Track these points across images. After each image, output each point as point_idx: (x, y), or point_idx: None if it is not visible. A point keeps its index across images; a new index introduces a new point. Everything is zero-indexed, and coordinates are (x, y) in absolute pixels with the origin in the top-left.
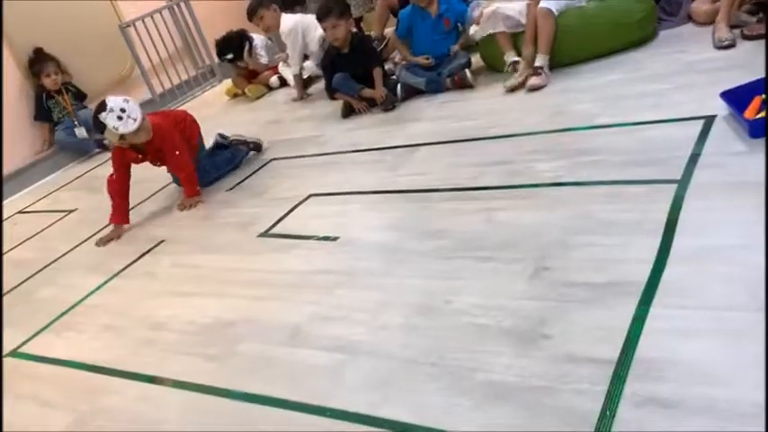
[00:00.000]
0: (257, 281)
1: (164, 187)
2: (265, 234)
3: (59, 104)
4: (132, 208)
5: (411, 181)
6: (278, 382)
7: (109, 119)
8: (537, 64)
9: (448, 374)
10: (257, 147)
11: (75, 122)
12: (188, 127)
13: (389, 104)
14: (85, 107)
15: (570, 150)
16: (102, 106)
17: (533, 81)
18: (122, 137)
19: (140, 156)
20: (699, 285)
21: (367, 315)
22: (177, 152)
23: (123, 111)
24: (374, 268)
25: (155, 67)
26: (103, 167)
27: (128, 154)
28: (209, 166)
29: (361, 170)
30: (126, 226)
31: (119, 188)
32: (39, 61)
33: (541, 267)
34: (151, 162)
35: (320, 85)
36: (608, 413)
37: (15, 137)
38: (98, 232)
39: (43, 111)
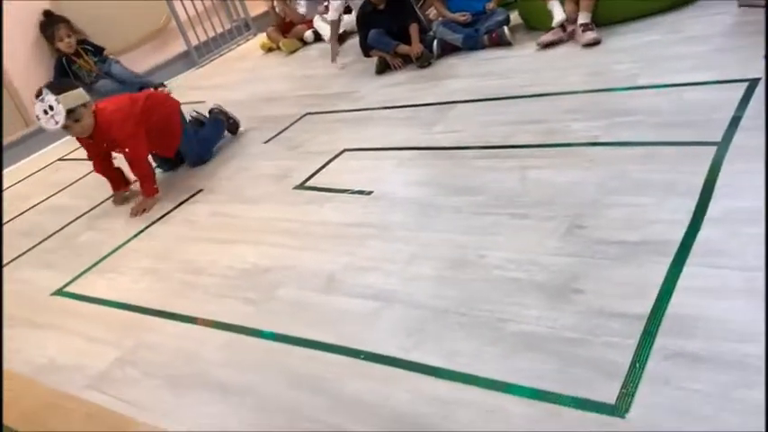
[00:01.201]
0: (293, 231)
1: None
2: (300, 186)
3: (83, 67)
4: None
5: (445, 138)
6: (314, 326)
7: (37, 107)
8: (582, 21)
9: (479, 324)
10: (234, 126)
11: (102, 77)
12: (153, 108)
13: (425, 61)
14: (107, 59)
15: (607, 110)
16: (38, 93)
17: (590, 35)
18: (64, 127)
19: (90, 141)
20: (733, 247)
21: (400, 266)
22: (127, 149)
23: (51, 108)
24: (407, 222)
25: (191, 19)
26: None
27: (84, 141)
28: (195, 144)
29: (395, 126)
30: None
31: (101, 171)
32: (50, 24)
33: (575, 225)
34: (109, 150)
35: (354, 41)
36: (637, 365)
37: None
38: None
39: (66, 76)
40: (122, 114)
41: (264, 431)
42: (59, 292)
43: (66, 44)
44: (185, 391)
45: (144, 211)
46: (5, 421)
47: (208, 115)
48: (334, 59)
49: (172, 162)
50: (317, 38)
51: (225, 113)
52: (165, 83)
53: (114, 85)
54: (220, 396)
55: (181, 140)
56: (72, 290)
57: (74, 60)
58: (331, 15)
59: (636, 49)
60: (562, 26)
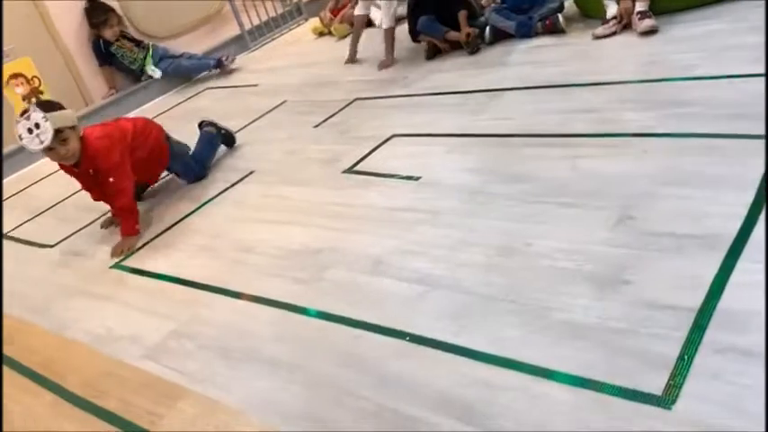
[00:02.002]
0: (342, 214)
1: (255, 120)
2: (349, 171)
3: (123, 47)
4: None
5: (495, 125)
6: (361, 306)
7: (21, 125)
8: (640, 9)
9: (526, 312)
10: (229, 138)
11: (147, 64)
12: (140, 136)
13: (474, 47)
14: (155, 46)
15: (663, 101)
16: (24, 111)
17: (647, 23)
18: (48, 149)
19: (75, 170)
20: None
21: (447, 252)
22: (111, 179)
23: (37, 126)
24: (456, 208)
25: (245, 3)
26: (194, 100)
27: (68, 168)
28: (192, 164)
29: (445, 113)
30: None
31: (96, 197)
32: (99, 12)
33: (626, 216)
34: (94, 180)
35: (404, 27)
36: (685, 357)
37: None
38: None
39: (105, 56)
40: (109, 142)
41: (313, 406)
42: (117, 266)
43: (113, 32)
44: (237, 363)
45: (123, 252)
46: (70, 387)
47: (199, 130)
48: (353, 60)
49: (140, 192)
50: (369, 23)
51: (215, 125)
52: (229, 56)
53: (173, 62)
54: (270, 370)
55: (171, 162)
56: (129, 264)
57: (111, 42)
58: (387, 23)
59: (696, 38)
60: (618, 19)
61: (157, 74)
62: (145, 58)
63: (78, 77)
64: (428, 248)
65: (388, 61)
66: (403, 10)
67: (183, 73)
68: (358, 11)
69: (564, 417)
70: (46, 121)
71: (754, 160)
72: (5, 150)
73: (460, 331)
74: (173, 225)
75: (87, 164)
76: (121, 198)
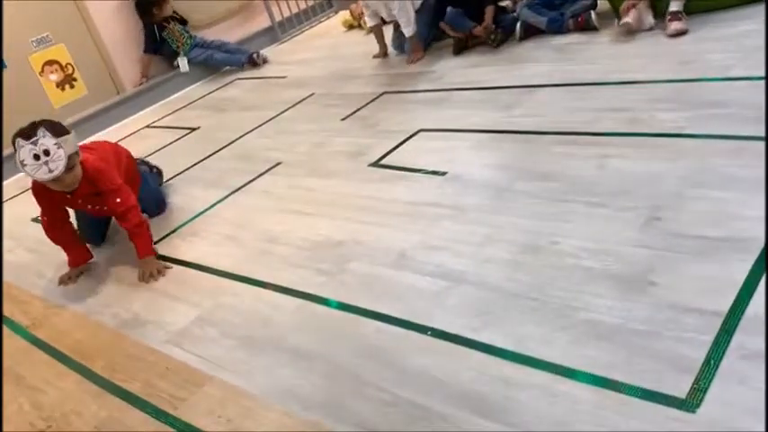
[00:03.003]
0: (366, 207)
1: (282, 112)
2: (375, 164)
3: (172, 34)
4: (250, 131)
5: (524, 122)
6: (383, 300)
7: (25, 150)
8: (673, 9)
9: (549, 310)
10: (159, 177)
11: (181, 53)
12: (125, 160)
13: (493, 42)
14: (192, 36)
15: (697, 102)
16: (25, 133)
17: (676, 26)
18: (57, 177)
19: (68, 196)
20: None
21: (472, 248)
22: (118, 199)
23: (46, 154)
24: (481, 204)
25: None
26: (224, 90)
27: (52, 193)
28: (155, 192)
29: (473, 108)
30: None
31: (59, 236)
32: None
33: (654, 217)
34: (82, 207)
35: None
36: (711, 362)
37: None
38: (218, 150)
39: (155, 43)
40: (107, 165)
41: (332, 396)
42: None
43: (169, 6)
44: (259, 351)
45: (153, 275)
46: (96, 369)
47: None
48: (384, 54)
49: (102, 232)
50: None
51: (147, 164)
52: (262, 52)
53: (206, 52)
54: (291, 359)
55: (140, 190)
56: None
57: (164, 27)
58: (410, 31)
59: (731, 38)
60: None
61: (184, 67)
62: (188, 42)
63: (111, 66)
64: (452, 244)
65: (419, 54)
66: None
67: (214, 65)
68: (369, 23)
69: (585, 416)
70: (59, 148)
71: None
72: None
73: (482, 327)
74: (200, 213)
75: (86, 188)
76: (134, 216)
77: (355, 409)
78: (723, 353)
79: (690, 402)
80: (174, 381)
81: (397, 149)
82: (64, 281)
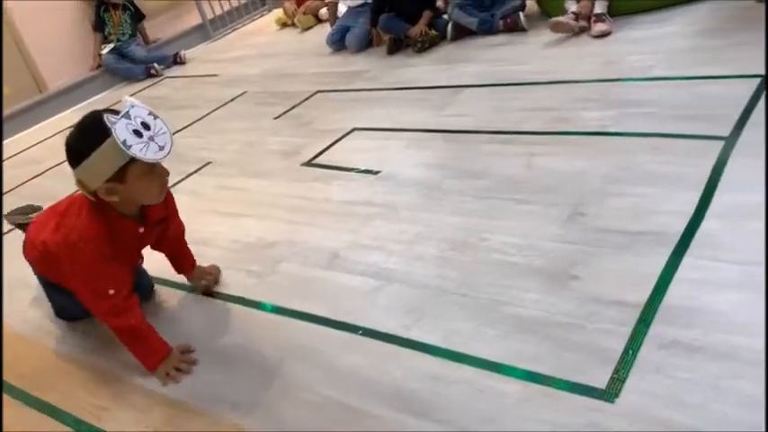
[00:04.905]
0: (299, 207)
1: (214, 110)
2: (308, 163)
3: (112, 19)
4: (180, 130)
5: (455, 121)
6: (314, 301)
7: (120, 129)
8: (597, 11)
9: (477, 305)
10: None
11: (113, 40)
12: None
13: (423, 45)
14: (135, 35)
15: (620, 101)
16: (108, 110)
17: (600, 27)
18: (119, 180)
19: (141, 228)
20: (734, 240)
21: (403, 246)
22: (178, 218)
23: (146, 127)
24: (413, 203)
25: None
26: (151, 89)
27: (124, 226)
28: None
29: (406, 107)
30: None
31: (140, 317)
32: None
33: (577, 213)
34: (146, 244)
35: None
36: (630, 352)
37: (69, 52)
38: None
39: (98, 23)
40: None
41: (259, 399)
42: None
43: None
44: (186, 356)
45: (218, 280)
46: (9, 379)
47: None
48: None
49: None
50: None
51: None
52: (183, 52)
53: (118, 64)
54: (219, 363)
55: None
56: None
57: (108, 9)
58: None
59: (652, 40)
60: (575, 16)
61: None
62: (125, 34)
63: (31, 64)
64: (384, 242)
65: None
66: None
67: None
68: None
69: (510, 410)
70: (155, 118)
71: (702, 160)
72: None
73: (413, 325)
74: None
75: (161, 209)
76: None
77: (283, 411)
78: (641, 343)
79: (609, 392)
80: (96, 390)
81: (331, 148)
82: (173, 377)
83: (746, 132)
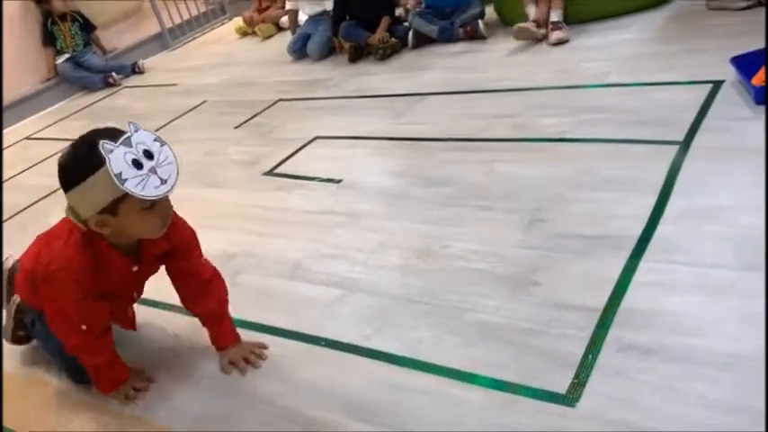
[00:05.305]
0: (260, 217)
1: (173, 120)
2: (270, 173)
3: (62, 32)
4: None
5: (417, 129)
6: (276, 312)
7: (115, 159)
8: (553, 18)
9: (440, 313)
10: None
11: (67, 53)
12: None
13: (384, 52)
14: (90, 44)
15: (577, 107)
16: (107, 133)
17: (557, 35)
18: (111, 213)
19: (135, 267)
20: (689, 243)
21: (365, 255)
22: (204, 258)
23: (149, 156)
24: (375, 211)
25: (165, 2)
26: (109, 99)
27: (114, 261)
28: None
29: (368, 116)
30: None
31: (104, 347)
32: None
33: (538, 219)
34: (137, 286)
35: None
36: (590, 356)
37: (22, 62)
38: None
39: (48, 36)
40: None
41: (219, 413)
42: None
43: (63, 3)
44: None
45: (252, 361)
46: None
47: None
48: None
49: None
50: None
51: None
52: (142, 61)
53: (75, 73)
54: (179, 378)
55: None
56: None
57: (56, 21)
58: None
59: (608, 47)
60: (536, 24)
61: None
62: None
63: None
64: (347, 251)
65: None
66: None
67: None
68: (289, 6)
69: (471, 418)
70: (161, 145)
71: (658, 165)
72: None
73: (374, 334)
74: None
75: (161, 243)
76: (222, 284)
77: (244, 425)
78: (600, 347)
79: (570, 397)
80: (57, 410)
81: (293, 158)
82: (132, 397)
83: (699, 137)
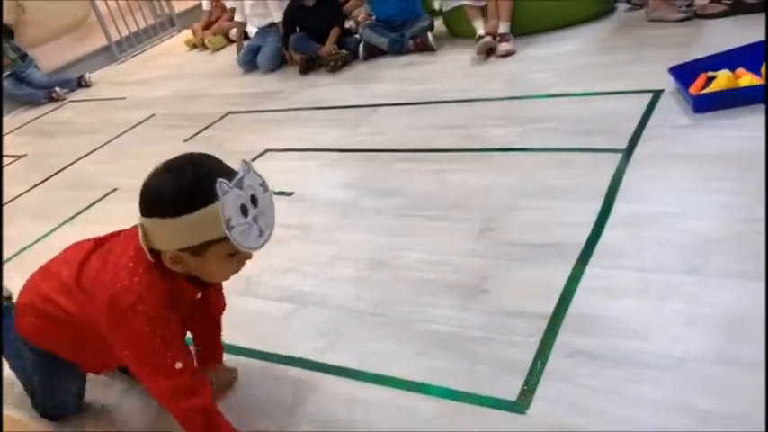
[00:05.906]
0: None
1: (120, 134)
2: None
3: None
4: (84, 156)
5: (368, 141)
6: (229, 329)
7: (230, 199)
8: (501, 31)
9: (393, 324)
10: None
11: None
12: None
13: (336, 64)
14: (27, 56)
15: (524, 117)
16: (222, 170)
17: (505, 46)
18: (195, 253)
19: (199, 293)
20: (632, 248)
21: (318, 268)
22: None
23: (254, 203)
24: (328, 223)
25: (112, 13)
26: (54, 114)
27: (184, 288)
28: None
29: (319, 127)
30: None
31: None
32: None
33: (487, 228)
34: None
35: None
36: (539, 363)
37: None
38: (48, 178)
39: None
40: None
41: (168, 425)
42: None
43: None
44: (92, 388)
45: (232, 383)
46: None
47: None
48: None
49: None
50: (245, 36)
51: None
52: (88, 74)
53: (18, 90)
54: (122, 398)
55: None
56: None
57: None
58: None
59: (552, 58)
60: (492, 35)
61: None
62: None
63: None
64: (299, 265)
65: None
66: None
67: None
68: (237, 17)
69: (424, 428)
70: (265, 191)
71: (601, 173)
72: None
73: (327, 348)
74: (26, 247)
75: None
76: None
77: None
78: (549, 353)
79: (520, 404)
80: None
81: None
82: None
83: (641, 145)
